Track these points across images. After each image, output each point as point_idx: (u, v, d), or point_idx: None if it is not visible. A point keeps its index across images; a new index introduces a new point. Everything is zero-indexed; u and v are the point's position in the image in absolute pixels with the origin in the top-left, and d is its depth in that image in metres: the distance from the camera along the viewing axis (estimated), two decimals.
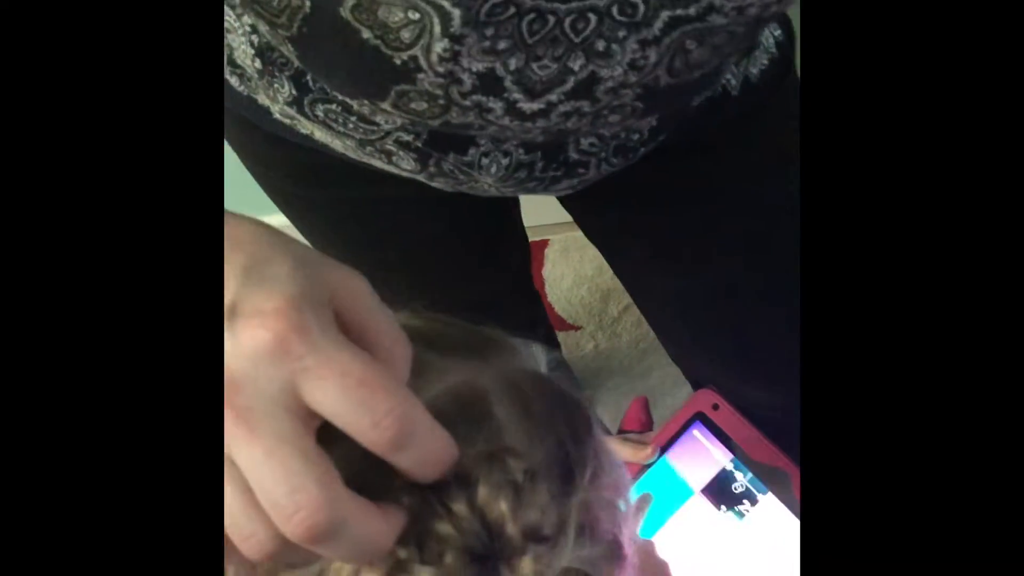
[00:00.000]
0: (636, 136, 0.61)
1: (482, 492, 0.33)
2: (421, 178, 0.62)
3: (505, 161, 0.58)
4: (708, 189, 0.72)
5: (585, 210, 0.80)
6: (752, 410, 0.74)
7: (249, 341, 0.29)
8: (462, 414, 0.34)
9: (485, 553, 0.33)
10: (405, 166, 0.60)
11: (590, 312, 1.50)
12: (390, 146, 0.58)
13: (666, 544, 0.73)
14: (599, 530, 0.36)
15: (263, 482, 0.29)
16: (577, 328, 1.49)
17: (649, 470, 0.75)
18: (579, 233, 0.89)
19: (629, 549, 0.39)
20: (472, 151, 0.58)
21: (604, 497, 0.38)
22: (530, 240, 1.57)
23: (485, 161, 0.58)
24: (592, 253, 1.66)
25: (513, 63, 0.48)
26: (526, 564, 0.33)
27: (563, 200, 0.79)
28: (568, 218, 0.87)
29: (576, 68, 0.49)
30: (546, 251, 1.56)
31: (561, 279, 1.54)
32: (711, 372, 0.82)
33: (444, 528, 0.32)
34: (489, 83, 0.49)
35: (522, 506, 0.33)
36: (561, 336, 1.48)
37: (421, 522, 0.32)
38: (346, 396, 0.29)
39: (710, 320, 0.81)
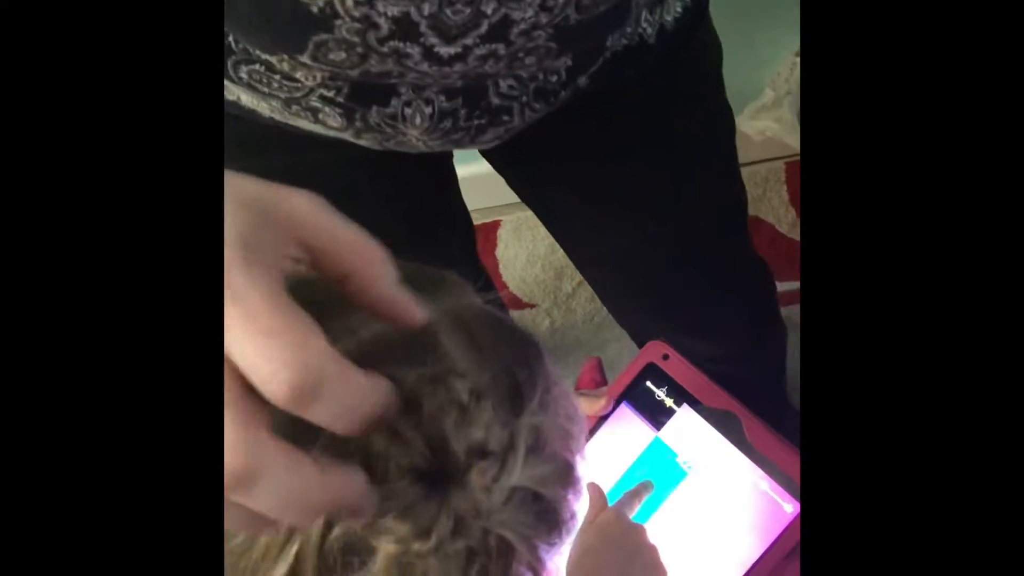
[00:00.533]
0: (554, 78, 0.62)
1: (426, 412, 0.33)
2: (348, 136, 0.62)
3: (428, 110, 0.59)
4: (631, 139, 0.74)
5: (514, 167, 0.82)
6: (698, 362, 0.76)
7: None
8: (408, 344, 0.35)
9: (431, 471, 0.33)
10: (332, 123, 0.61)
11: (544, 290, 1.52)
12: (315, 102, 0.59)
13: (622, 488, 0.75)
14: (549, 452, 0.37)
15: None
16: (532, 306, 1.51)
17: (605, 421, 0.77)
18: (529, 213, 0.90)
19: (581, 473, 0.40)
20: (394, 102, 0.59)
21: (557, 423, 0.38)
22: (481, 222, 1.59)
23: (408, 111, 0.59)
24: (544, 232, 1.67)
25: (427, 7, 0.49)
26: (473, 479, 0.34)
27: (493, 159, 0.80)
28: (517, 199, 0.89)
29: (489, 12, 0.50)
30: (498, 232, 1.57)
31: (514, 259, 1.55)
32: (652, 328, 0.84)
33: (390, 449, 0.33)
34: (405, 27, 0.50)
35: (467, 424, 0.34)
36: (517, 315, 1.49)
37: (367, 444, 0.33)
38: (251, 346, 0.28)
39: (642, 272, 0.83)
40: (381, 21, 0.49)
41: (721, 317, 0.89)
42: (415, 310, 0.33)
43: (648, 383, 0.76)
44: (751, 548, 0.70)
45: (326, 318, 0.30)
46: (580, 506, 0.40)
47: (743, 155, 1.52)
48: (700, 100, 0.76)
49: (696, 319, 0.87)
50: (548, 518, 0.37)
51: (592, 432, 0.77)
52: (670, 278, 0.83)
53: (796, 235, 1.47)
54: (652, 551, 0.66)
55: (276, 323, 0.28)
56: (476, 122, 0.62)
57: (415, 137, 0.62)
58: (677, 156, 0.76)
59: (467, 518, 0.33)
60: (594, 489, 0.70)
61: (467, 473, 0.34)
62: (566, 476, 0.38)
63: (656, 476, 0.74)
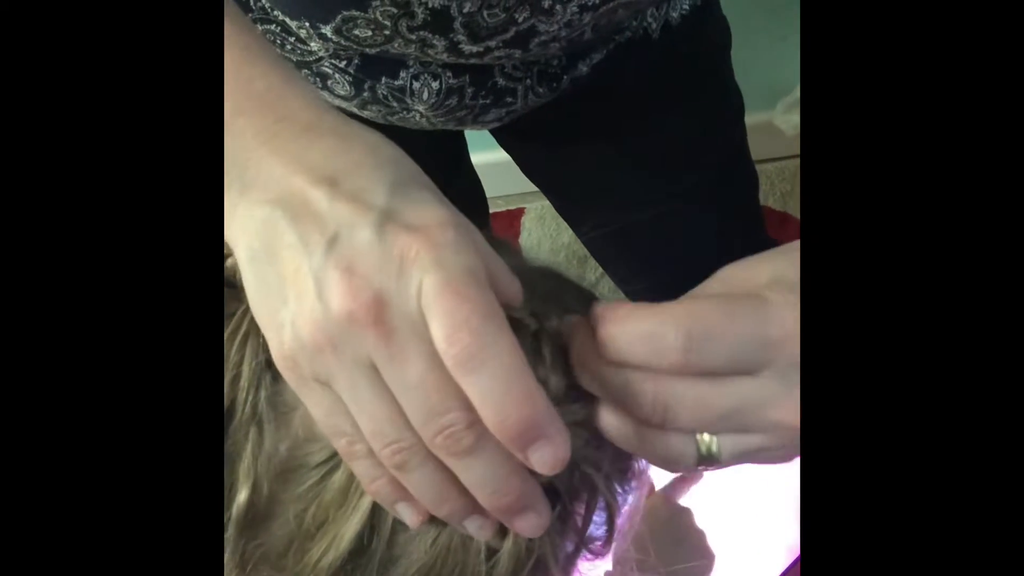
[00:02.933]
0: (556, 61, 0.62)
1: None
2: (354, 106, 0.62)
3: (436, 85, 0.59)
4: (635, 126, 0.74)
5: (523, 145, 0.82)
6: None
7: (398, 251, 0.29)
8: None
9: None
10: (340, 91, 0.60)
11: None
12: (326, 68, 0.58)
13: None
14: None
15: (413, 403, 0.29)
16: None
17: None
18: None
19: None
20: (403, 74, 0.58)
21: None
22: (505, 209, 1.57)
23: (416, 85, 0.59)
24: None
25: (468, 6, 0.49)
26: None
27: (502, 138, 0.81)
28: None
29: (520, 20, 0.51)
30: (522, 220, 1.56)
31: (538, 247, 1.54)
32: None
33: None
34: (440, 21, 0.50)
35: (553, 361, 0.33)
36: None
37: None
38: (439, 308, 0.28)
39: (648, 253, 0.83)
40: (419, 10, 0.49)
41: None
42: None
43: None
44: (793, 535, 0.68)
45: None
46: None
47: (775, 150, 1.51)
48: (706, 84, 0.76)
49: None
50: (624, 459, 0.37)
51: None
52: (678, 263, 0.82)
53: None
54: (700, 535, 0.66)
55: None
56: (481, 101, 0.62)
57: (420, 113, 0.61)
58: (684, 141, 0.76)
59: None
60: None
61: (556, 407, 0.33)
62: None
63: None
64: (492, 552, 0.33)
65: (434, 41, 0.52)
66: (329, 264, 0.29)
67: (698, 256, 0.83)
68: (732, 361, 0.31)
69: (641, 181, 0.78)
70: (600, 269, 1.53)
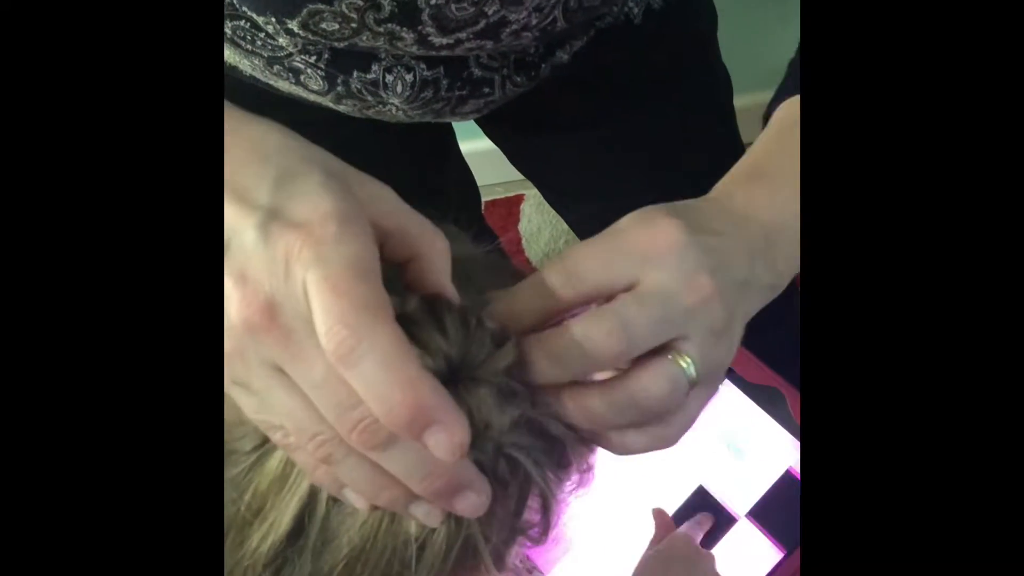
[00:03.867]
0: (533, 50, 0.62)
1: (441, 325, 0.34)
2: (329, 100, 0.61)
3: (409, 78, 0.58)
4: (619, 109, 0.73)
5: (508, 135, 0.81)
6: None
7: (282, 251, 0.29)
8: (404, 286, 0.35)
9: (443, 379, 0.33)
10: (313, 86, 0.59)
11: None
12: (297, 63, 0.58)
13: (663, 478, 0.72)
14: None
15: (322, 401, 0.29)
16: None
17: None
18: None
19: None
20: (375, 67, 0.57)
21: None
22: (504, 196, 1.56)
23: (390, 78, 0.58)
24: None
25: None
26: (483, 394, 0.33)
27: (488, 128, 0.80)
28: None
29: (490, 12, 0.51)
30: (521, 206, 1.54)
31: (538, 234, 1.52)
32: None
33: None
34: (407, 13, 0.50)
35: (476, 341, 0.34)
36: None
37: None
38: (317, 305, 0.29)
39: None
40: (385, 3, 0.49)
41: None
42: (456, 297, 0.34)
43: None
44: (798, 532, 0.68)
45: None
46: (595, 459, 0.39)
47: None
48: (692, 69, 0.75)
49: None
50: (560, 451, 0.37)
51: None
52: None
53: None
54: None
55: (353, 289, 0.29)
56: (457, 93, 0.61)
57: (395, 106, 0.61)
58: (670, 126, 0.75)
59: (480, 429, 0.33)
60: (660, 514, 0.70)
61: (480, 385, 0.34)
62: None
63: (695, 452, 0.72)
64: (422, 534, 0.33)
65: (402, 34, 0.51)
66: (226, 272, 0.29)
67: None
68: (609, 275, 0.34)
69: (627, 168, 0.77)
70: None
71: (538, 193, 1.57)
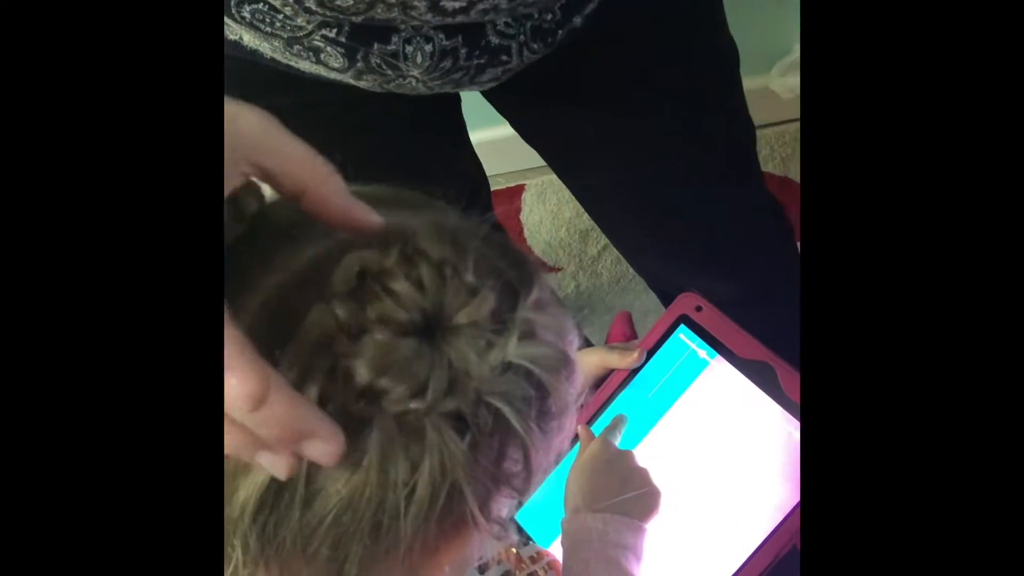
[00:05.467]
0: (549, 16, 0.62)
1: (417, 274, 0.35)
2: (349, 77, 0.62)
3: (429, 48, 0.59)
4: (633, 76, 0.74)
5: (521, 110, 0.82)
6: (725, 308, 0.75)
7: None
8: (384, 244, 0.36)
9: (424, 327, 0.35)
10: (333, 63, 0.60)
11: (570, 253, 1.51)
12: (317, 42, 0.58)
13: (656, 450, 0.74)
14: (544, 340, 0.38)
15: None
16: (558, 270, 1.50)
17: (636, 376, 0.76)
18: (553, 177, 0.89)
19: (577, 369, 0.41)
20: (395, 39, 0.58)
21: (553, 324, 0.39)
22: (506, 186, 1.57)
23: (409, 49, 0.59)
24: (568, 195, 1.66)
25: None
26: (464, 341, 0.35)
27: (498, 102, 0.80)
28: (542, 162, 0.88)
29: None
30: (522, 196, 1.55)
31: (539, 223, 1.54)
32: (670, 271, 0.83)
33: (384, 303, 0.34)
34: None
35: (456, 291, 0.35)
36: None
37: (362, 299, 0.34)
38: None
39: (651, 207, 0.83)
40: None
41: (739, 255, 0.88)
42: (370, 215, 0.35)
43: (681, 335, 0.75)
44: (787, 497, 0.69)
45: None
46: (576, 402, 0.41)
47: (772, 114, 1.50)
48: (699, 31, 0.76)
49: (712, 256, 0.86)
50: (542, 399, 0.38)
51: (623, 384, 0.76)
52: (680, 212, 0.83)
53: None
54: (643, 473, 0.69)
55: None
56: (476, 61, 0.61)
57: (416, 78, 0.61)
58: (680, 89, 0.76)
59: (460, 377, 0.35)
60: (583, 430, 0.72)
61: (458, 335, 0.35)
62: (561, 362, 0.39)
63: (690, 429, 0.73)
64: (407, 483, 0.34)
65: (415, 2, 0.52)
66: None
67: (697, 206, 0.82)
68: None
69: (639, 132, 0.78)
70: (602, 242, 1.53)
71: (539, 182, 1.59)
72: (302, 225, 0.37)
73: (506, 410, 0.36)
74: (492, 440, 0.36)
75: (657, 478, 0.69)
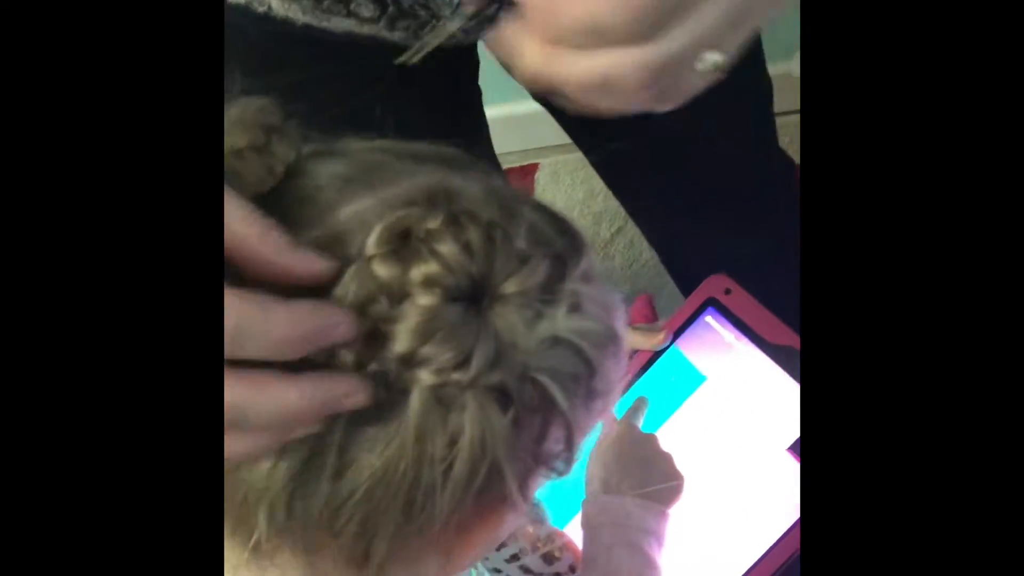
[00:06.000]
0: None
1: (464, 240, 0.33)
2: (383, 28, 0.60)
3: None
4: None
5: None
6: (757, 278, 0.73)
7: None
8: (429, 203, 0.34)
9: (471, 294, 0.33)
10: (365, 12, 0.58)
11: None
12: None
13: (679, 434, 0.72)
14: (592, 314, 0.36)
15: None
16: None
17: (660, 358, 0.74)
18: (568, 156, 0.87)
19: (624, 347, 0.39)
20: None
21: (600, 299, 0.37)
22: (519, 165, 1.55)
23: None
24: (582, 176, 1.64)
25: None
26: (512, 311, 0.33)
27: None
28: (556, 141, 0.85)
29: None
30: (535, 176, 1.54)
31: (551, 205, 1.52)
32: (694, 240, 0.81)
33: (431, 266, 0.32)
34: None
35: (506, 257, 0.33)
36: None
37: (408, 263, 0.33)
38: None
39: (669, 161, 0.81)
40: None
41: (762, 213, 0.86)
42: (315, 264, 0.32)
43: (708, 318, 0.73)
44: None
45: None
46: (621, 381, 0.39)
47: (795, 102, 1.48)
48: None
49: (736, 215, 0.84)
50: (589, 377, 0.36)
51: (647, 366, 0.74)
52: (698, 165, 0.81)
53: None
54: (667, 458, 0.68)
55: None
56: None
57: (448, 13, 0.59)
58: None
59: (507, 349, 0.33)
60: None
61: (506, 304, 0.33)
62: (609, 338, 0.37)
63: (714, 414, 0.72)
64: (445, 458, 0.33)
65: None
66: None
67: (715, 162, 0.81)
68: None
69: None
70: (615, 225, 1.52)
71: (553, 161, 1.57)
72: (340, 178, 0.35)
73: (553, 387, 0.34)
74: (535, 417, 0.34)
75: (680, 463, 0.68)
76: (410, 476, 0.33)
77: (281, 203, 0.34)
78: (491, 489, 0.34)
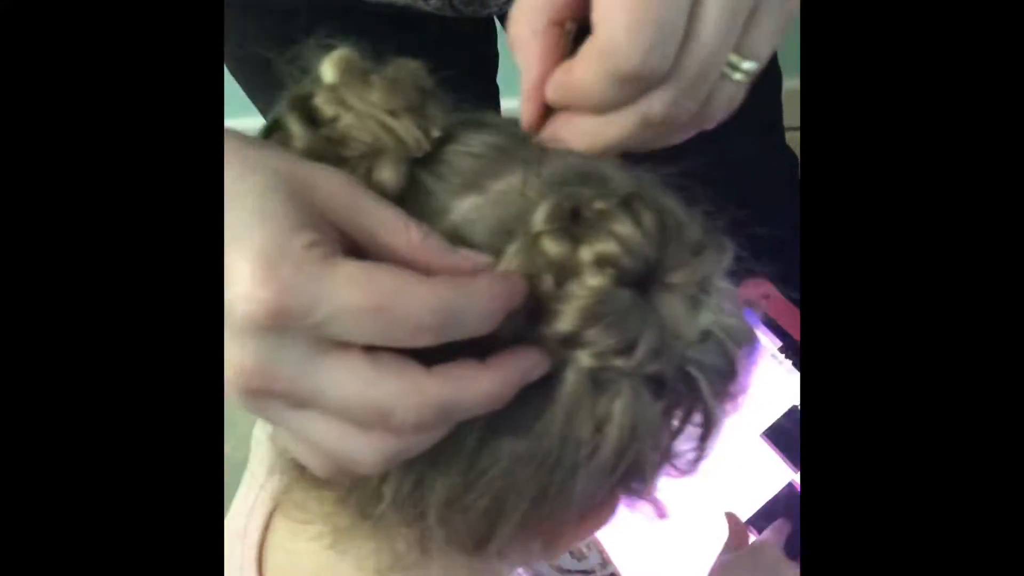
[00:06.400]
0: None
1: (643, 222, 0.32)
2: None
3: None
4: None
5: None
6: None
7: (244, 322, 0.27)
8: (583, 183, 0.33)
9: (641, 278, 0.32)
10: None
11: None
12: None
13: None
14: (733, 312, 0.35)
15: (355, 418, 0.29)
16: None
17: None
18: None
19: (758, 356, 0.38)
20: None
21: (731, 294, 0.36)
22: None
23: None
24: None
25: None
26: (677, 298, 0.32)
27: None
28: None
29: None
30: None
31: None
32: None
33: (605, 247, 0.31)
34: None
35: (678, 242, 0.33)
36: None
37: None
38: (374, 329, 0.28)
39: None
40: None
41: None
42: (478, 258, 0.31)
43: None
44: None
45: None
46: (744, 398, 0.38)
47: (794, 118, 1.49)
48: None
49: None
50: (729, 375, 0.35)
51: None
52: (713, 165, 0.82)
53: None
54: None
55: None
56: None
57: None
58: None
59: (669, 339, 0.32)
60: (734, 518, 0.68)
61: (673, 292, 0.32)
62: (748, 338, 0.36)
63: (751, 422, 0.72)
64: (589, 442, 0.32)
65: None
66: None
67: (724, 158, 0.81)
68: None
69: None
70: None
71: None
72: (495, 148, 0.34)
73: (702, 381, 0.33)
74: (677, 412, 0.34)
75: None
76: (552, 457, 0.32)
77: (437, 170, 0.33)
78: (629, 479, 0.34)
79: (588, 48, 0.30)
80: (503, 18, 0.73)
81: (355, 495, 0.35)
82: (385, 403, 0.28)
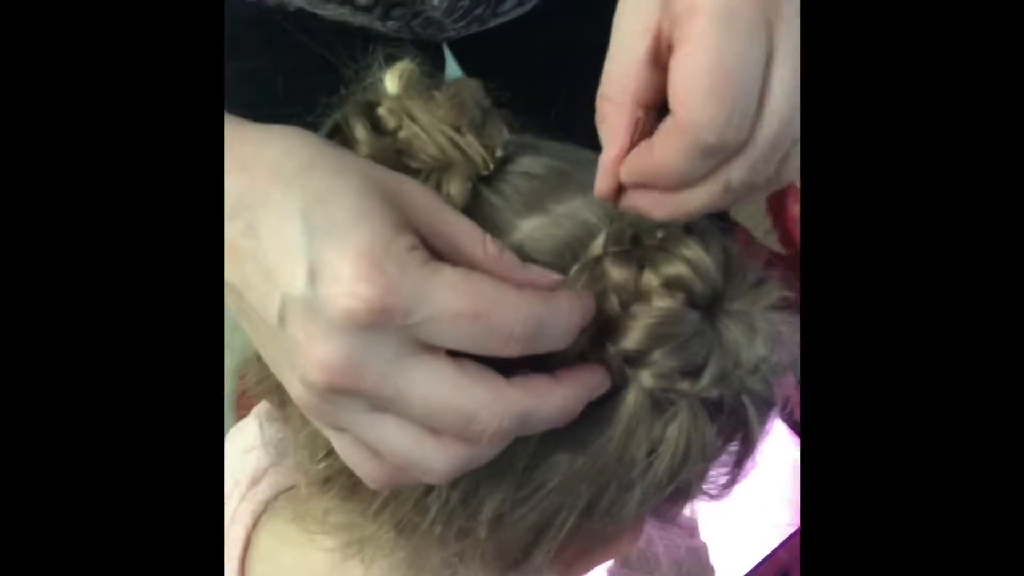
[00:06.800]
0: None
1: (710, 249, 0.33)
2: (376, 17, 0.60)
3: None
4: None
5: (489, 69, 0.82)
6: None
7: (343, 318, 0.27)
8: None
9: (705, 301, 0.33)
10: (361, 1, 0.59)
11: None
12: None
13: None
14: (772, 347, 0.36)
15: (435, 423, 0.29)
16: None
17: None
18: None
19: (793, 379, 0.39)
20: None
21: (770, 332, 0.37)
22: None
23: None
24: None
25: None
26: (736, 326, 0.33)
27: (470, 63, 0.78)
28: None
29: None
30: None
31: None
32: None
33: (675, 270, 0.32)
34: None
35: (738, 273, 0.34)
36: None
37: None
38: (468, 335, 0.28)
39: None
40: None
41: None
42: (550, 276, 0.32)
43: None
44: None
45: None
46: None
47: None
48: None
49: None
50: (770, 406, 0.36)
51: None
52: None
53: (770, 243, 1.42)
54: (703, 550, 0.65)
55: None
56: None
57: (437, 13, 0.60)
58: None
59: (731, 366, 0.33)
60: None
61: (736, 319, 0.33)
62: (787, 371, 0.36)
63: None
64: (640, 462, 0.33)
65: None
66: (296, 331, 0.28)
67: None
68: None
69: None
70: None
71: None
72: (555, 171, 0.35)
73: (751, 410, 0.34)
74: (722, 438, 0.34)
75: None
76: (606, 476, 0.33)
77: (497, 187, 0.34)
78: (676, 500, 0.34)
79: (667, 127, 0.31)
80: (454, 45, 0.75)
81: (391, 507, 0.35)
82: (469, 409, 0.28)
